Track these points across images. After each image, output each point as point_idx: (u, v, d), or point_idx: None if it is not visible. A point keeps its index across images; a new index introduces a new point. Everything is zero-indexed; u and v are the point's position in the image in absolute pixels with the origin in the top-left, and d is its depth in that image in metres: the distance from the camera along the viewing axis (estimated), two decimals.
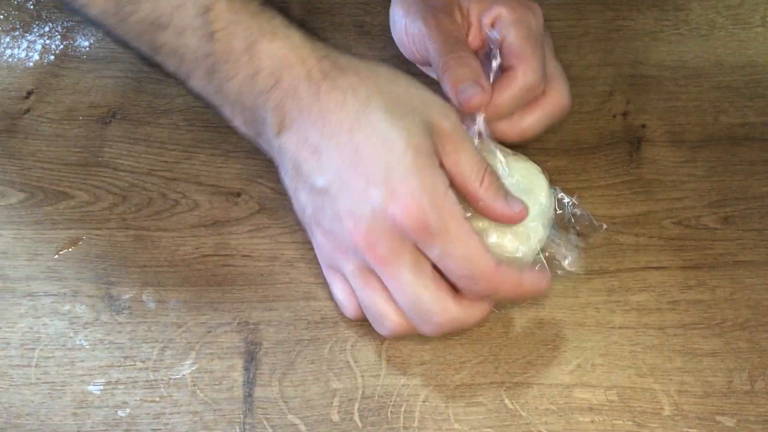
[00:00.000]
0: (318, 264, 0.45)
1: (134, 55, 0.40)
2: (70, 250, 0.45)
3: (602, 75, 0.54)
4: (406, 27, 0.47)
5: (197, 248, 0.45)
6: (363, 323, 0.42)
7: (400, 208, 0.35)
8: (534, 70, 0.43)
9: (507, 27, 0.44)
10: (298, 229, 0.46)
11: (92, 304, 0.43)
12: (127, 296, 0.43)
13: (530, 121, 0.44)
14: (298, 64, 0.37)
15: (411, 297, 0.37)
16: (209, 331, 0.42)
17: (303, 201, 0.39)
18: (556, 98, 0.45)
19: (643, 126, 0.51)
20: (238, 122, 0.40)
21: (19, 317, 0.42)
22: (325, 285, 0.44)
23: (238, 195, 0.47)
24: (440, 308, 0.37)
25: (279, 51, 0.37)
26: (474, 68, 0.42)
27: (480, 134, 0.42)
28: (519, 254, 0.40)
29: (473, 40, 0.47)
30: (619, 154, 0.49)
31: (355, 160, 0.36)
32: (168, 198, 0.47)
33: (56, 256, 0.45)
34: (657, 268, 0.45)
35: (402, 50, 0.50)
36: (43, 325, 0.42)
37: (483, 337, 0.42)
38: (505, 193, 0.38)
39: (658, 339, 0.42)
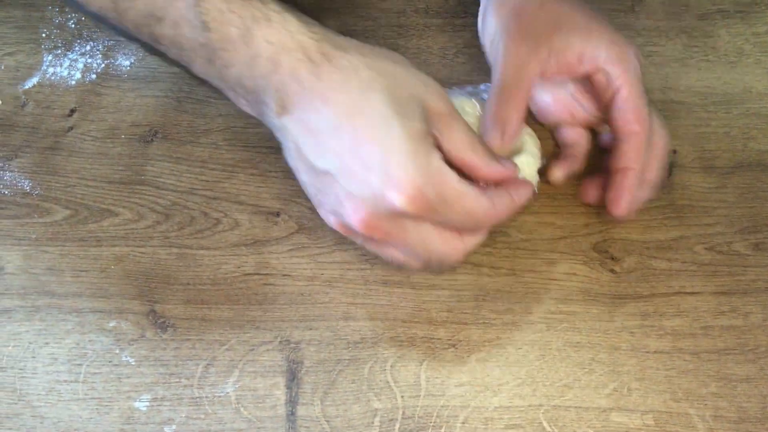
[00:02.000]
0: (356, 284, 0.46)
1: (139, 44, 0.41)
2: (115, 267, 0.46)
3: None
4: (491, 34, 0.48)
5: (239, 267, 0.46)
6: (402, 344, 0.43)
7: (399, 193, 0.36)
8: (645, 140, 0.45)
9: (620, 86, 0.45)
10: (336, 249, 0.47)
11: (137, 321, 0.44)
12: (171, 314, 0.44)
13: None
14: (297, 49, 0.37)
15: (421, 253, 0.40)
16: (252, 350, 0.43)
17: (305, 180, 0.40)
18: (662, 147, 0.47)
19: (675, 152, 0.52)
20: (243, 104, 0.40)
21: (66, 333, 0.43)
22: (364, 305, 0.45)
23: (278, 215, 0.48)
24: (450, 249, 0.40)
25: (275, 36, 0.37)
26: (505, 118, 0.44)
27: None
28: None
29: (552, 74, 0.46)
30: None
31: (354, 144, 0.37)
32: (210, 217, 0.48)
33: (101, 273, 0.46)
34: (690, 293, 0.45)
35: (481, 41, 0.51)
36: (90, 341, 0.43)
37: (520, 360, 0.43)
38: (497, 157, 0.40)
39: (693, 364, 0.43)
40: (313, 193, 0.40)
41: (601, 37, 0.45)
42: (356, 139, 0.37)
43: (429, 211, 0.37)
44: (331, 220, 0.40)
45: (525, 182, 0.42)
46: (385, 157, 0.36)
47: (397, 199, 0.36)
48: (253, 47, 0.37)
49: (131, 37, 0.41)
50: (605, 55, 0.45)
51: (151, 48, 0.41)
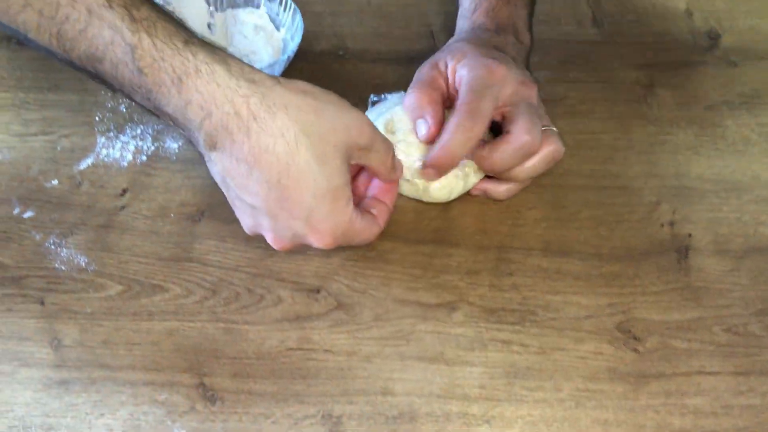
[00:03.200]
0: (392, 359, 0.48)
1: (86, 74, 0.44)
2: (166, 340, 0.48)
3: (648, 185, 0.58)
4: None
5: (282, 341, 0.49)
6: (438, 419, 0.45)
7: (318, 240, 0.46)
8: (477, 123, 0.51)
9: (464, 85, 0.52)
10: (374, 326, 0.49)
11: (187, 393, 0.46)
12: (219, 386, 0.47)
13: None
14: (226, 103, 0.42)
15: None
16: (296, 423, 0.45)
17: (226, 194, 0.47)
18: (519, 137, 0.51)
19: (690, 235, 0.55)
20: (174, 128, 0.46)
21: (120, 405, 0.46)
22: (401, 380, 0.47)
23: (318, 291, 0.51)
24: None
25: (205, 87, 0.42)
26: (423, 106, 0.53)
27: None
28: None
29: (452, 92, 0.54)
30: (668, 261, 0.53)
31: (282, 196, 0.44)
32: (254, 293, 0.51)
33: (153, 346, 0.48)
34: (710, 373, 0.48)
35: None
36: (143, 413, 0.45)
37: None
38: (394, 170, 0.50)
39: None
40: (232, 204, 0.47)
41: (474, 58, 0.53)
42: (284, 194, 0.44)
43: (337, 246, 0.47)
44: (244, 225, 0.48)
45: (383, 207, 0.51)
46: (309, 213, 0.45)
47: (316, 243, 0.46)
48: (185, 94, 0.42)
49: (78, 69, 0.44)
50: (467, 69, 0.52)
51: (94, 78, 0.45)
